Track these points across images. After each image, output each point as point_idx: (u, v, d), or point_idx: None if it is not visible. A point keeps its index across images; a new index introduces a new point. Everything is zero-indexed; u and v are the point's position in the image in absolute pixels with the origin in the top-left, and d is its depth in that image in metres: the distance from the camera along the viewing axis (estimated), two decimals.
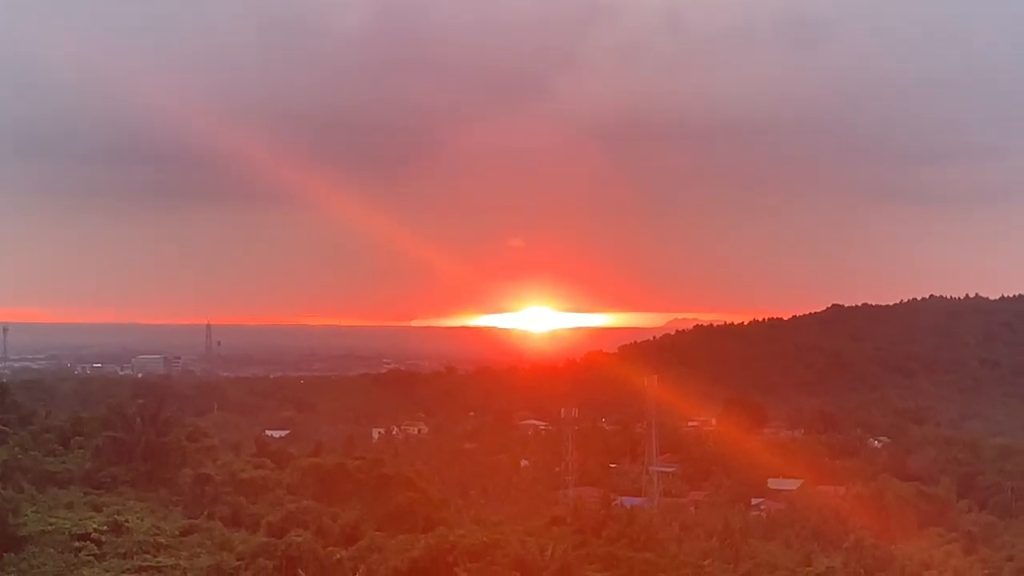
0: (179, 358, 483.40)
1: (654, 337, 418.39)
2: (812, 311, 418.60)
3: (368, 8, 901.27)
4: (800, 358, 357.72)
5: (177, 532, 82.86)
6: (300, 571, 72.86)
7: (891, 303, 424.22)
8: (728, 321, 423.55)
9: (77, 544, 75.04)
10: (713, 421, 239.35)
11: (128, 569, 72.75)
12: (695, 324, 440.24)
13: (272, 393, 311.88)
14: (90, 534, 76.77)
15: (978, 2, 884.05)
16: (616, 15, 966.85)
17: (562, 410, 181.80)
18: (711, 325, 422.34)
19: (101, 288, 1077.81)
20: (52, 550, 73.17)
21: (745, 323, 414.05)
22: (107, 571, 72.53)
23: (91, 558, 73.65)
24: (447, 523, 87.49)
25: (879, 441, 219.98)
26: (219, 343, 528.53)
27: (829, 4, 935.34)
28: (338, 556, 75.81)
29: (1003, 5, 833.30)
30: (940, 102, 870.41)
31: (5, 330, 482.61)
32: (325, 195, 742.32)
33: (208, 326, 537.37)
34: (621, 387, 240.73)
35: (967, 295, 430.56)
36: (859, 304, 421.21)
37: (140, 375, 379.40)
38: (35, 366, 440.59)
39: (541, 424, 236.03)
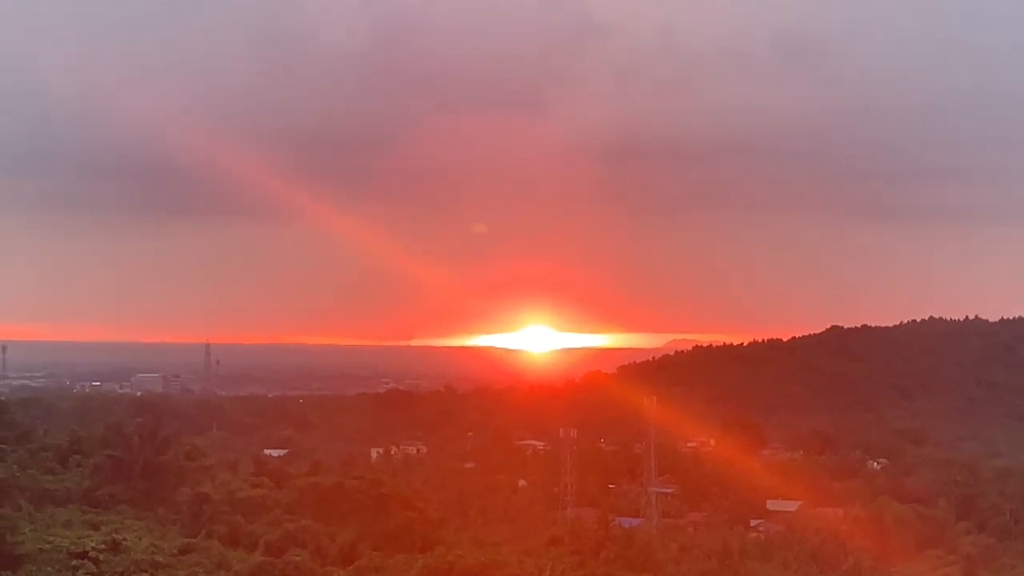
0: (178, 376, 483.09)
1: (653, 358, 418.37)
2: (811, 332, 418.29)
3: (363, 22, 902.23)
4: (799, 379, 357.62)
5: (175, 551, 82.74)
6: None
7: (890, 324, 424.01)
8: (727, 342, 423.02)
9: (75, 563, 74.85)
10: (712, 442, 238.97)
11: None
12: (694, 345, 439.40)
13: (270, 412, 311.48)
14: (88, 552, 76.60)
15: (977, 21, 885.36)
16: (611, 34, 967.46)
17: (561, 430, 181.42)
18: (710, 346, 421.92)
19: (100, 306, 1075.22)
20: (50, 569, 72.98)
21: (744, 344, 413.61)
22: None
23: None
24: (445, 543, 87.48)
25: (878, 463, 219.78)
26: (218, 362, 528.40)
27: (826, 24, 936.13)
28: None
29: (1004, 24, 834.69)
30: (939, 121, 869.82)
31: (4, 348, 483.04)
32: (324, 213, 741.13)
33: (207, 345, 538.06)
34: (620, 407, 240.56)
35: (967, 317, 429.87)
36: (858, 325, 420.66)
37: (139, 393, 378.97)
38: (33, 384, 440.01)
39: (540, 444, 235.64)
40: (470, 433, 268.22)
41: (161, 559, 78.99)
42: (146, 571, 75.76)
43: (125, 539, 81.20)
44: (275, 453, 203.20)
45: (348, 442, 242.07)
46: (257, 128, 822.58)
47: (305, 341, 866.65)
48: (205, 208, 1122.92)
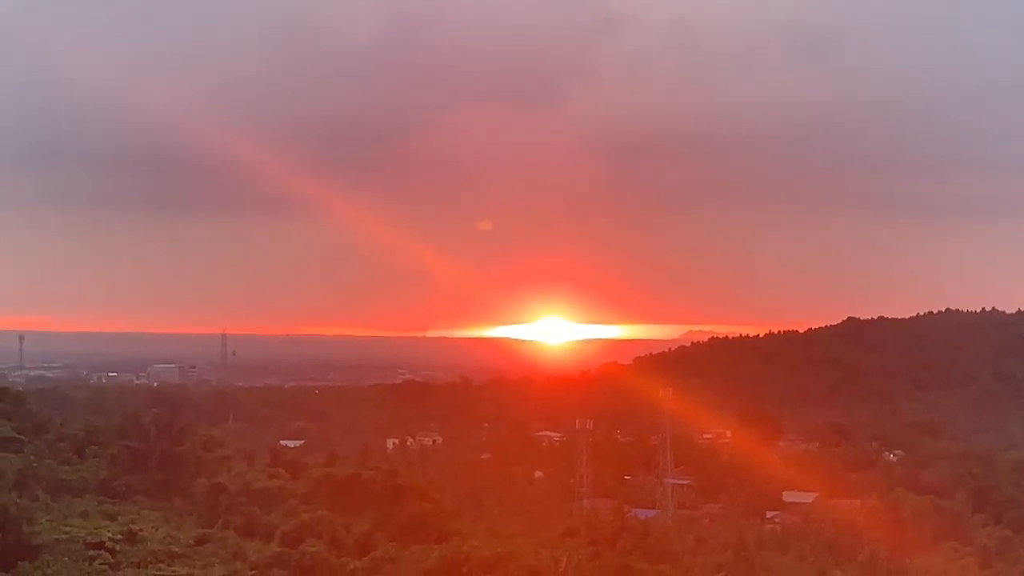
0: (194, 367, 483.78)
1: (669, 349, 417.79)
2: (828, 323, 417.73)
3: (378, 16, 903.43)
4: (815, 370, 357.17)
5: (191, 541, 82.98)
6: None
7: (907, 316, 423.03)
8: (743, 333, 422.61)
9: (91, 553, 75.06)
10: (728, 433, 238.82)
11: None
12: (710, 336, 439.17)
13: (286, 403, 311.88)
14: (104, 543, 76.82)
15: (993, 13, 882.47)
16: (628, 27, 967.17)
17: (576, 422, 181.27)
18: (726, 337, 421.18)
19: (116, 297, 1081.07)
20: (66, 559, 73.17)
21: (760, 335, 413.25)
22: None
23: (105, 567, 73.66)
24: (461, 534, 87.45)
25: (894, 454, 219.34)
26: (234, 352, 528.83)
27: (841, 16, 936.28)
28: (352, 566, 75.87)
29: (1021, 16, 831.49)
30: (955, 113, 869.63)
31: (21, 339, 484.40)
32: (340, 205, 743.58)
33: (223, 335, 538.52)
34: (636, 399, 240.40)
35: (983, 308, 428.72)
36: (875, 317, 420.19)
37: (155, 384, 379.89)
38: (50, 375, 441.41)
39: (556, 436, 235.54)
40: (486, 424, 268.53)
41: (177, 549, 79.21)
42: (162, 561, 75.96)
43: (142, 529, 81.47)
44: (291, 444, 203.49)
45: (364, 433, 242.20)
46: (274, 122, 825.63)
47: (321, 332, 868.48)
48: (222, 201, 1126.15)
